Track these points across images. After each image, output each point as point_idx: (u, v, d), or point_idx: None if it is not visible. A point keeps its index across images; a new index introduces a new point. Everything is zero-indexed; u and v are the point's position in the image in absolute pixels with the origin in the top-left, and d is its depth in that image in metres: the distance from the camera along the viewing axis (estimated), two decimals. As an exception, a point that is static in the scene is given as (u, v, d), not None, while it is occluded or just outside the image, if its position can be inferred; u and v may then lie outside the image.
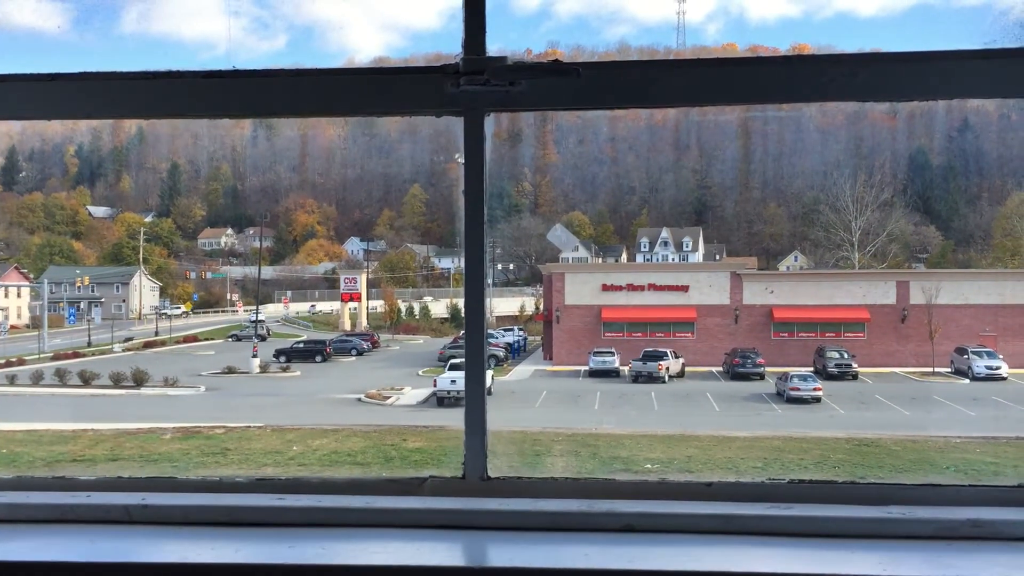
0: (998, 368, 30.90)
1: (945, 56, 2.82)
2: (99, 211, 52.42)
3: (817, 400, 27.90)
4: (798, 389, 28.22)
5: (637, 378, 31.30)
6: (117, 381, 30.29)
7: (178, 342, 40.60)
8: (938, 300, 33.16)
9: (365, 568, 2.58)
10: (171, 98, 3.06)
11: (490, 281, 46.54)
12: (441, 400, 27.33)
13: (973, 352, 31.72)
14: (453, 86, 2.92)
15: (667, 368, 31.67)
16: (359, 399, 29.07)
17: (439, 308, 44.95)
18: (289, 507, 2.83)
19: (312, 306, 47.44)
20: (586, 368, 33.20)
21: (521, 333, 40.94)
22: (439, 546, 2.70)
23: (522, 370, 34.86)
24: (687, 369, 32.91)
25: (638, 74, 2.95)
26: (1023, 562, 2.54)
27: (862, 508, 2.77)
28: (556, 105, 3.03)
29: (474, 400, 2.99)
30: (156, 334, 41.70)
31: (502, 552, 2.68)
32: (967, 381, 30.99)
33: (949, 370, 32.19)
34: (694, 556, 2.62)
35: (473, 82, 2.89)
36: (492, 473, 2.99)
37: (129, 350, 37.95)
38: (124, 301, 45.25)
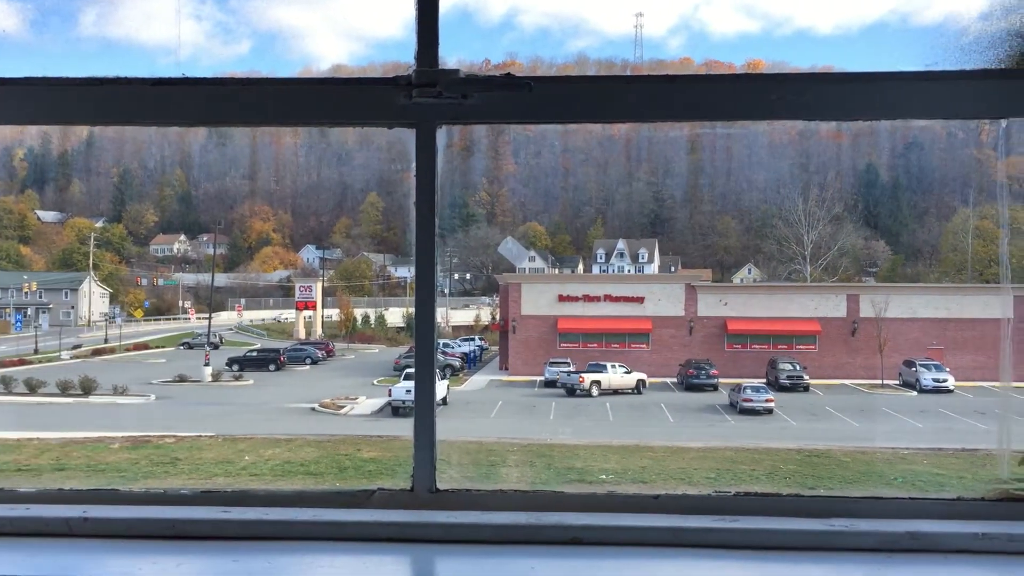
0: (945, 381, 31.54)
1: (890, 77, 2.87)
2: (48, 216, 51.44)
3: (769, 411, 28.23)
4: (751, 400, 28.52)
5: (573, 391, 31.16)
6: (64, 389, 29.69)
7: (128, 350, 39.92)
8: (887, 313, 33.80)
9: None
10: (119, 105, 3.01)
11: (446, 291, 46.48)
12: (396, 410, 27.19)
13: (921, 365, 32.35)
14: (405, 98, 2.91)
15: (593, 383, 31.42)
16: (313, 408, 28.82)
17: (395, 317, 44.72)
18: (234, 520, 2.80)
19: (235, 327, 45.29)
20: (542, 378, 33.23)
21: (481, 343, 40.90)
22: (386, 559, 2.68)
23: (478, 380, 34.82)
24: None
25: (590, 90, 2.97)
26: (959, 573, 2.59)
27: (807, 520, 2.81)
28: (508, 119, 3.03)
29: (423, 412, 2.98)
30: (106, 341, 40.97)
31: (449, 565, 2.67)
32: (915, 393, 31.59)
33: (897, 382, 32.79)
34: (641, 568, 2.64)
35: (425, 94, 2.89)
36: (442, 485, 2.98)
37: (77, 357, 37.22)
38: (73, 307, 44.40)
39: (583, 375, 31.53)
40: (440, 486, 2.97)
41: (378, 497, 2.96)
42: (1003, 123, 3.05)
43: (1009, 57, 2.91)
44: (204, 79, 2.99)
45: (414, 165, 2.98)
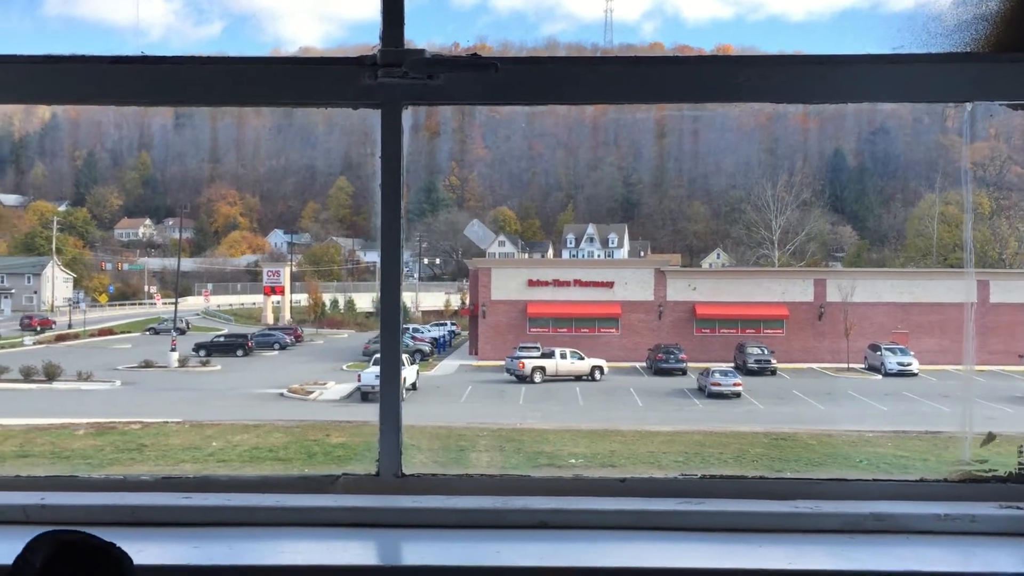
0: (909, 364, 31.91)
1: (856, 60, 2.87)
2: (9, 199, 50.47)
3: (737, 395, 28.41)
4: (719, 384, 28.69)
5: (523, 378, 31.04)
6: (28, 375, 29.21)
7: (93, 335, 39.38)
8: (853, 298, 34.12)
9: (274, 568, 2.53)
10: (75, 83, 2.94)
11: (416, 276, 46.29)
12: (365, 395, 27.04)
13: (886, 349, 32.71)
14: (370, 78, 2.87)
15: (535, 368, 31.12)
16: (281, 394, 28.62)
17: (364, 302, 44.39)
18: (196, 506, 2.76)
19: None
20: (512, 363, 33.20)
21: (453, 327, 40.75)
22: (350, 544, 2.66)
23: (448, 365, 34.75)
24: (610, 365, 32.67)
25: (555, 71, 2.95)
26: (922, 554, 2.61)
27: (771, 503, 2.82)
28: (474, 99, 3.00)
29: (388, 397, 2.96)
30: (69, 327, 40.41)
31: (414, 550, 2.65)
32: (880, 377, 31.94)
33: (863, 366, 33.13)
34: (606, 552, 2.63)
35: (391, 75, 2.85)
36: (408, 470, 2.96)
37: (40, 343, 36.69)
38: (36, 292, 43.74)
39: (522, 360, 31.39)
40: (406, 471, 2.95)
41: (343, 482, 2.93)
42: (967, 107, 3.06)
43: (975, 41, 2.91)
44: (163, 58, 2.93)
45: (379, 147, 2.94)
